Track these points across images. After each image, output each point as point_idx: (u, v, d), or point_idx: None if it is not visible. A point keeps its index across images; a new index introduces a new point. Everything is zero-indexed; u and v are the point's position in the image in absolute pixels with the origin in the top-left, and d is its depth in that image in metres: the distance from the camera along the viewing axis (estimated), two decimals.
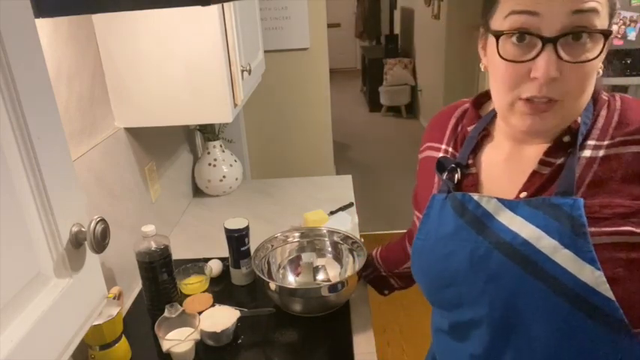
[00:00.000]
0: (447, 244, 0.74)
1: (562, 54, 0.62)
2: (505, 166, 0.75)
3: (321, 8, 2.68)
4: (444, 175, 0.78)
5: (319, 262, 1.36)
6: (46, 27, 1.03)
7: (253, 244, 1.33)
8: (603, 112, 0.70)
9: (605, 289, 0.62)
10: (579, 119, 0.68)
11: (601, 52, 0.63)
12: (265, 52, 1.86)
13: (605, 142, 0.67)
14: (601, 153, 0.67)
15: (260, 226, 1.61)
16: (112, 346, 1.04)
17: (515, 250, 0.67)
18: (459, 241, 0.72)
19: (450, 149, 0.83)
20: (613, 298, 0.62)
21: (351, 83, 7.65)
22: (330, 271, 1.34)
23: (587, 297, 0.63)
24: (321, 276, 1.34)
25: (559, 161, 0.69)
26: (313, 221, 1.56)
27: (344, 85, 7.45)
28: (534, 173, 0.70)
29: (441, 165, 0.80)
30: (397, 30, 6.97)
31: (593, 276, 0.62)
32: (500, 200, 0.70)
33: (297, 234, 1.39)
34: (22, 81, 0.45)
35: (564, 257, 0.63)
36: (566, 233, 0.64)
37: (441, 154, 0.84)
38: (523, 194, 0.70)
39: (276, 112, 2.85)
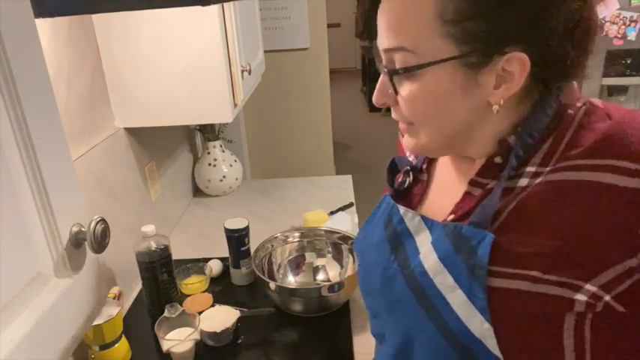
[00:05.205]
0: (371, 254, 0.70)
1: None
2: (451, 179, 0.69)
3: (321, 8, 2.68)
4: (400, 177, 0.74)
5: (319, 262, 1.36)
6: (46, 27, 1.03)
7: (253, 244, 1.33)
8: (564, 132, 0.58)
9: (493, 345, 0.54)
10: (511, 138, 0.59)
11: (395, 87, 0.59)
12: (265, 52, 1.86)
13: (547, 169, 0.56)
14: (537, 181, 0.56)
15: (260, 226, 1.61)
16: (112, 346, 1.04)
17: (414, 280, 0.61)
18: (377, 255, 0.68)
19: None
20: (501, 357, 0.54)
21: (351, 83, 7.63)
22: (330, 271, 1.34)
23: (473, 349, 0.56)
24: (321, 276, 1.34)
25: (490, 184, 0.61)
26: (313, 221, 1.56)
27: (344, 85, 7.43)
28: (466, 194, 0.64)
29: (394, 165, 0.75)
30: None
31: (481, 327, 0.54)
32: (423, 219, 0.64)
33: (297, 234, 1.39)
34: (22, 81, 0.45)
35: (457, 299, 0.56)
36: (464, 271, 0.56)
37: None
38: (451, 217, 0.63)
39: (276, 112, 2.85)
